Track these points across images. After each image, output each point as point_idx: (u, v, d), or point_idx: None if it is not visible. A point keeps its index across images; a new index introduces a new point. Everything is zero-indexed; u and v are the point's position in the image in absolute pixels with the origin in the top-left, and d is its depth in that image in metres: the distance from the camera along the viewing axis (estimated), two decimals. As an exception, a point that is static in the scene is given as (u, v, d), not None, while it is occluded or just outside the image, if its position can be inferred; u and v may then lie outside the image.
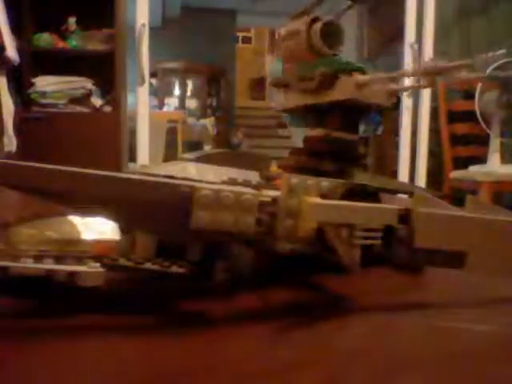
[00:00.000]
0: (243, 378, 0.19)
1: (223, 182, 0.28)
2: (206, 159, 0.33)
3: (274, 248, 0.24)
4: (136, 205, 0.23)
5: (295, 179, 0.25)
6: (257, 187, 0.27)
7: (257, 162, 0.33)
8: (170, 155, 3.59)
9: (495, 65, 2.03)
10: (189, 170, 0.31)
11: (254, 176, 0.30)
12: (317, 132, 0.38)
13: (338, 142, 0.37)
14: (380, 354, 0.21)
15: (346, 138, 0.37)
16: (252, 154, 0.33)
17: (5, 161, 0.22)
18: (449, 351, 0.21)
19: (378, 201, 0.33)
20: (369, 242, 0.25)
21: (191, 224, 0.22)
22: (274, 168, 0.34)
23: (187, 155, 0.35)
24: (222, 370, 0.19)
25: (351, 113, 0.38)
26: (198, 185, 0.23)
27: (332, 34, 0.43)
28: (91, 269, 0.23)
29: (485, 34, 2.46)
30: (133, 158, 2.29)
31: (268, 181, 0.32)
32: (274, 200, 0.24)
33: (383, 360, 0.20)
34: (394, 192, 0.36)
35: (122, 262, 0.24)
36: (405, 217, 0.25)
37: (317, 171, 0.33)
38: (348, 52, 4.30)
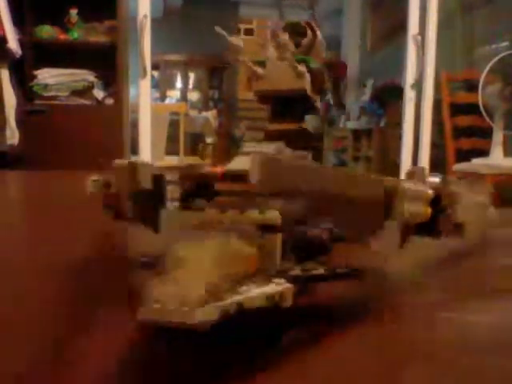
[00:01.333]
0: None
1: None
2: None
3: None
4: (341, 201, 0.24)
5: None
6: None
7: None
8: (171, 147, 3.59)
9: (498, 57, 2.02)
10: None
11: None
12: (290, 125, 0.39)
13: (310, 135, 0.40)
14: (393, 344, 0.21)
15: (314, 130, 0.40)
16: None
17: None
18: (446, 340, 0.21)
19: None
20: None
21: (395, 216, 0.25)
22: None
23: (253, 148, 0.35)
24: None
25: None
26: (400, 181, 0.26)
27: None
28: (283, 286, 0.19)
29: (488, 26, 2.44)
30: (135, 150, 2.29)
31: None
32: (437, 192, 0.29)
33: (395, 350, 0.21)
34: None
35: (294, 272, 0.22)
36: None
37: None
38: (351, 43, 4.28)
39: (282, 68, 0.37)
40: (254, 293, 0.18)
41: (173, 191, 0.28)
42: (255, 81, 0.38)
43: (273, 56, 0.38)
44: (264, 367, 0.18)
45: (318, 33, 0.40)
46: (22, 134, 2.03)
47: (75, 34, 2.33)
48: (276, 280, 0.19)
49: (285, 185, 0.21)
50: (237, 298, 0.17)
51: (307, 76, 0.37)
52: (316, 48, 0.40)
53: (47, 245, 0.38)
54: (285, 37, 0.38)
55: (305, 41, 0.39)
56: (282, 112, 0.39)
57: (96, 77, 2.34)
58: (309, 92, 0.37)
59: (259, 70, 0.38)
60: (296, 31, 0.40)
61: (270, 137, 0.38)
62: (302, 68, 0.37)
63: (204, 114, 5.24)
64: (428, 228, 0.29)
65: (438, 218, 0.29)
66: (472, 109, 2.18)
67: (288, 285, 0.19)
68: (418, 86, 2.26)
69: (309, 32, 0.40)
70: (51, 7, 2.25)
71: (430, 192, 0.27)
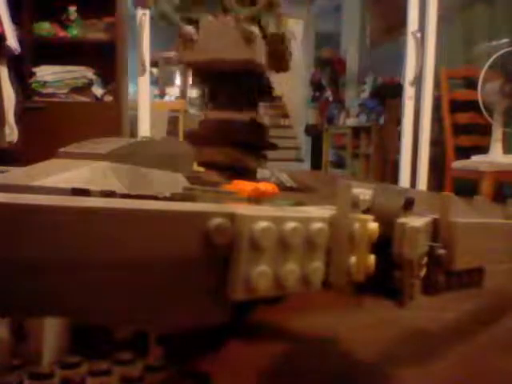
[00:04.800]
0: None
1: (175, 195, 0.18)
2: (114, 156, 0.20)
3: None
4: None
5: (353, 187, 0.17)
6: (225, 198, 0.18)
7: (174, 157, 0.22)
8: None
9: (498, 54, 2.02)
10: (104, 175, 0.18)
11: (178, 179, 0.21)
12: (237, 114, 0.26)
13: (261, 128, 0.27)
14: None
15: (266, 123, 0.27)
16: (161, 142, 0.22)
17: None
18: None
19: None
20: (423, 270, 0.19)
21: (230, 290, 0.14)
22: (196, 167, 0.25)
23: (74, 148, 0.22)
24: None
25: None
26: (244, 212, 0.14)
27: None
28: None
29: (488, 22, 2.44)
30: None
31: (212, 186, 0.21)
32: (331, 225, 0.16)
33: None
34: None
35: None
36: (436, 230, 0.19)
37: (241, 169, 0.24)
38: (351, 40, 4.28)
39: (221, 29, 0.24)
40: None
41: None
42: (185, 49, 0.25)
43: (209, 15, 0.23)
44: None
45: None
46: (21, 131, 2.03)
47: (74, 31, 2.33)
48: None
49: None
50: None
51: (260, 42, 0.24)
52: (278, 8, 0.26)
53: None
54: None
55: None
56: (223, 94, 0.27)
57: (95, 74, 2.34)
58: (263, 64, 0.24)
59: (190, 30, 0.26)
60: None
61: (207, 129, 0.27)
62: (252, 29, 0.24)
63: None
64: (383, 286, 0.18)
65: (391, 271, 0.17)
66: (472, 106, 2.18)
67: None
68: (418, 82, 2.25)
69: None
70: (50, 4, 2.25)
71: (373, 226, 0.16)
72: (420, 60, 2.22)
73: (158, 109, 3.40)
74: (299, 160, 5.01)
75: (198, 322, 0.15)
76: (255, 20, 0.26)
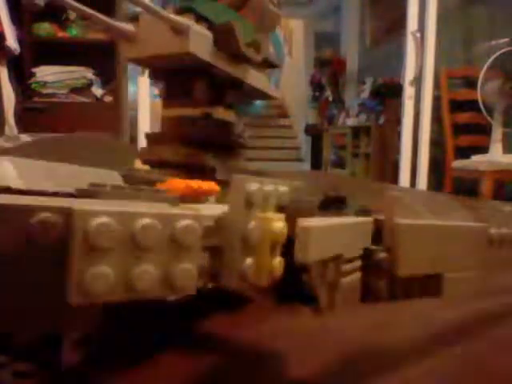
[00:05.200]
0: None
1: (79, 192, 0.17)
2: (28, 150, 0.20)
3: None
4: None
5: (251, 185, 0.16)
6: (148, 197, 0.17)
7: (108, 151, 0.21)
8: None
9: (499, 53, 2.02)
10: (5, 171, 0.18)
11: (111, 176, 0.20)
12: (188, 110, 0.26)
13: (218, 124, 0.26)
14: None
15: (227, 119, 0.26)
16: (96, 140, 0.21)
17: None
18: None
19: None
20: (352, 276, 0.17)
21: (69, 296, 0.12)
22: (138, 164, 0.24)
23: None
24: None
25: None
26: (79, 206, 0.13)
27: None
28: None
29: (488, 22, 2.44)
30: (134, 147, 2.29)
31: (147, 185, 0.19)
32: (220, 224, 0.15)
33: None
34: None
35: None
36: (378, 232, 0.18)
37: (195, 167, 0.24)
38: (350, 40, 4.27)
39: (157, 24, 0.24)
40: None
41: None
42: (124, 43, 0.26)
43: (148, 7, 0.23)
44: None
45: None
46: (21, 132, 2.03)
47: (74, 31, 2.33)
48: None
49: None
50: None
51: (196, 33, 0.23)
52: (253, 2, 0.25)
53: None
54: None
55: None
56: (174, 91, 0.26)
57: (95, 74, 2.33)
58: (204, 58, 0.23)
59: (128, 27, 0.26)
60: None
61: (165, 126, 0.26)
62: (183, 20, 0.23)
63: (203, 111, 5.23)
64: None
65: (299, 272, 0.16)
66: (471, 106, 2.18)
67: None
68: (418, 82, 2.25)
69: None
70: (49, 4, 2.24)
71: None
72: (420, 60, 2.22)
73: (157, 109, 3.39)
74: (299, 160, 5.01)
75: (53, 327, 0.14)
76: (192, 11, 0.24)
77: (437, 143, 2.41)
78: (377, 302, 0.17)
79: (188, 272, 0.14)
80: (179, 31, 0.23)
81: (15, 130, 1.99)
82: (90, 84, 2.33)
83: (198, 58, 0.23)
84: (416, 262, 0.18)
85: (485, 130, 2.18)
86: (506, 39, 2.13)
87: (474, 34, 2.55)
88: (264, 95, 0.29)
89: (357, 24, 4.19)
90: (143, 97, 2.19)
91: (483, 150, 2.16)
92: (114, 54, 2.28)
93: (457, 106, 2.35)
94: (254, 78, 0.27)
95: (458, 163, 2.22)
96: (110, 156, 0.16)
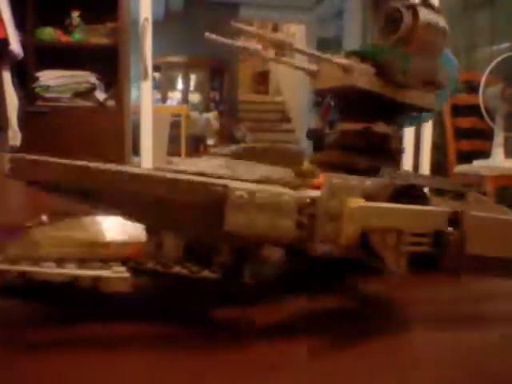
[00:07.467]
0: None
1: (257, 181, 0.25)
2: (239, 155, 0.30)
3: (308, 251, 0.22)
4: (165, 204, 0.21)
5: (337, 178, 0.22)
6: (294, 186, 0.25)
7: (289, 157, 0.30)
8: (173, 149, 3.60)
9: (500, 58, 2.02)
10: (220, 167, 0.27)
11: (287, 173, 0.27)
12: (354, 125, 0.34)
13: (377, 136, 0.34)
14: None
15: (385, 131, 0.34)
16: (284, 149, 0.30)
17: (33, 157, 0.20)
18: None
19: (427, 203, 0.29)
20: (418, 248, 0.22)
21: (225, 227, 0.20)
22: (306, 164, 0.31)
23: (218, 150, 0.32)
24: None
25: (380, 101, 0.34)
26: (232, 184, 0.20)
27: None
28: (116, 273, 0.21)
29: (489, 27, 2.44)
30: (136, 151, 2.29)
31: (303, 179, 0.29)
32: (314, 201, 0.22)
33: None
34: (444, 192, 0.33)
35: (150, 265, 0.22)
36: (455, 221, 0.23)
37: (351, 169, 0.30)
38: (353, 45, 4.28)
39: (330, 65, 0.33)
40: (75, 272, 0.21)
41: None
42: (311, 79, 0.36)
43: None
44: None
45: (423, 14, 0.33)
46: (24, 136, 2.03)
47: (77, 36, 2.34)
48: (116, 268, 0.21)
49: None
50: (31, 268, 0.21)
51: (358, 70, 0.32)
52: (418, 34, 0.33)
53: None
54: (279, 35, 0.34)
55: (401, 29, 0.33)
56: (344, 111, 0.36)
57: (98, 78, 2.34)
58: (367, 87, 0.32)
59: (311, 67, 0.35)
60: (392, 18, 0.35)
61: (330, 138, 0.36)
62: (347, 61, 0.33)
63: (205, 115, 5.25)
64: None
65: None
66: (473, 110, 2.18)
67: (124, 274, 0.21)
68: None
69: (405, 16, 0.34)
70: (53, 9, 2.26)
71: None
72: (421, 65, 2.22)
73: (160, 113, 3.41)
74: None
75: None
76: (356, 54, 0.34)
77: (439, 148, 2.41)
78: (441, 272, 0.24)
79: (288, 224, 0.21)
80: (346, 69, 0.32)
81: (19, 134, 1.99)
82: (92, 88, 2.34)
83: (360, 87, 0.32)
84: (483, 245, 0.24)
85: (487, 135, 2.18)
86: (508, 44, 2.14)
87: (475, 39, 2.56)
88: (423, 110, 0.37)
89: (359, 29, 4.20)
90: (146, 101, 2.19)
91: (485, 154, 2.16)
92: (116, 58, 2.29)
93: (458, 110, 2.35)
94: (414, 98, 0.35)
95: (459, 168, 2.22)
96: (289, 159, 0.28)
